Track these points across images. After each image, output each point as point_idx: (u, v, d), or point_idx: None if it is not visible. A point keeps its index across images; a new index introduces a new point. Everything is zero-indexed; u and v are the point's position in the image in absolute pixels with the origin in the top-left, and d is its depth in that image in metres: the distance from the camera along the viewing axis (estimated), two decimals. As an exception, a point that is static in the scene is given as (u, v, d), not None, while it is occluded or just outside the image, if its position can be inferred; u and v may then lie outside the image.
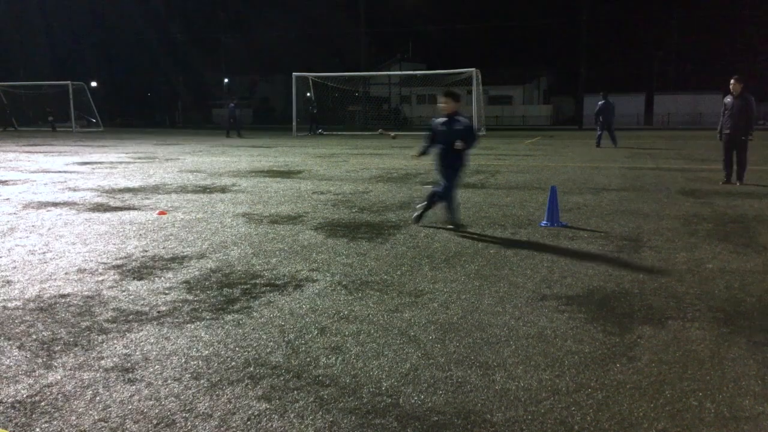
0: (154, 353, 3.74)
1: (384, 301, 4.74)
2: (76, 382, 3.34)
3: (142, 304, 4.66)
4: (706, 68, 52.19)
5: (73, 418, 2.97)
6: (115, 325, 4.23)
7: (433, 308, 4.55)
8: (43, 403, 3.11)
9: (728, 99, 11.59)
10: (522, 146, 23.93)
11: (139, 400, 3.14)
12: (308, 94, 39.91)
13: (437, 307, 4.58)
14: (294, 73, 35.73)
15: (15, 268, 5.73)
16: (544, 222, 7.79)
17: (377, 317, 4.37)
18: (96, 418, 2.97)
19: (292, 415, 3.00)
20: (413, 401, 3.13)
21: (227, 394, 3.21)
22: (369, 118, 49.32)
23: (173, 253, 6.28)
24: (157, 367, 3.54)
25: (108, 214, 8.61)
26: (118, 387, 3.29)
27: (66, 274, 5.52)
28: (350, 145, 25.91)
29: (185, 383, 3.34)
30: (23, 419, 2.96)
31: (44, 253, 6.33)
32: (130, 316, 4.39)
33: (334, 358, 3.66)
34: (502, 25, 57.29)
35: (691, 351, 3.76)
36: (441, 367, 3.53)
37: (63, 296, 4.86)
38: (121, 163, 17.15)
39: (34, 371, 3.49)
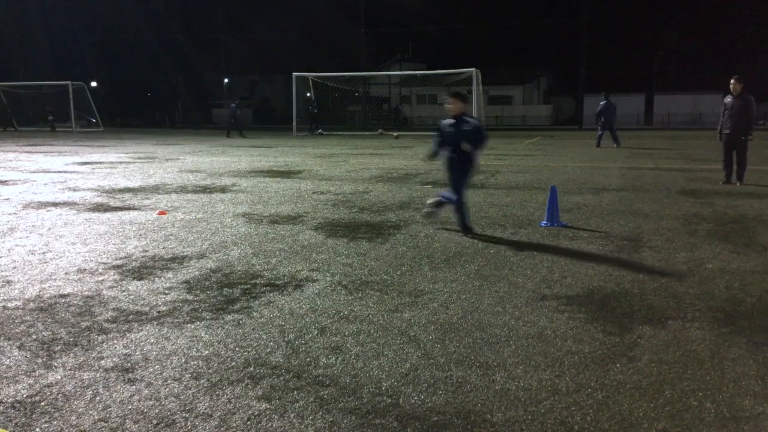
0: (154, 353, 3.74)
1: (384, 301, 4.74)
2: (76, 382, 3.35)
3: (142, 304, 4.66)
4: (706, 68, 52.20)
5: (73, 418, 2.97)
6: (115, 325, 4.23)
7: (433, 308, 4.55)
8: (43, 403, 3.11)
9: (728, 99, 11.59)
10: (522, 146, 23.93)
11: (139, 400, 3.14)
12: (308, 94, 39.91)
13: (437, 307, 4.58)
14: (294, 73, 35.73)
15: (15, 268, 5.73)
16: (544, 222, 7.79)
17: (377, 317, 4.37)
18: (96, 418, 2.97)
19: (292, 415, 3.00)
20: (413, 401, 3.14)
21: (227, 394, 3.21)
22: (369, 118, 49.33)
23: (173, 253, 6.28)
24: (157, 367, 3.54)
25: (108, 214, 8.61)
26: (118, 387, 3.29)
27: (66, 274, 5.52)
28: (350, 145, 25.91)
29: (185, 383, 3.34)
30: (23, 419, 2.96)
31: (44, 253, 6.33)
32: (130, 316, 4.39)
33: (334, 358, 3.66)
34: (502, 25, 57.27)
35: (691, 351, 3.76)
36: (441, 367, 3.53)
37: (63, 296, 4.86)
38: (121, 163, 17.15)
39: (34, 371, 3.49)
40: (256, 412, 3.02)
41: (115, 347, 3.83)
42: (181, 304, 4.65)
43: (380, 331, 4.09)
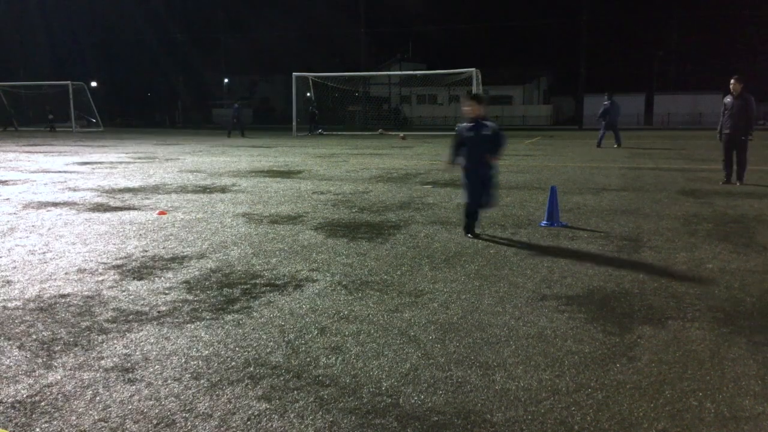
0: (154, 353, 3.74)
1: (384, 301, 4.74)
2: (76, 382, 3.35)
3: (142, 304, 4.66)
4: (706, 68, 52.22)
5: (73, 418, 2.97)
6: (115, 325, 4.23)
7: (433, 308, 4.55)
8: (43, 403, 3.11)
9: (728, 99, 11.59)
10: (522, 146, 23.92)
11: (139, 400, 3.14)
12: (308, 94, 39.94)
13: (437, 307, 4.58)
14: (294, 73, 35.74)
15: (15, 268, 5.73)
16: (544, 222, 7.79)
17: (377, 317, 4.37)
18: (96, 418, 2.97)
19: (292, 415, 3.00)
20: (413, 401, 3.14)
21: (227, 394, 3.21)
22: (369, 118, 49.36)
23: (173, 253, 6.28)
24: (157, 367, 3.54)
25: (108, 214, 8.61)
26: (118, 387, 3.29)
27: (66, 274, 5.52)
28: (350, 145, 25.91)
29: (185, 383, 3.34)
30: (23, 419, 2.96)
31: (44, 253, 6.33)
32: (130, 316, 4.39)
33: (334, 358, 3.66)
34: (502, 25, 57.29)
35: (691, 351, 3.76)
36: (441, 367, 3.53)
37: (63, 296, 4.86)
38: (121, 163, 17.15)
39: (34, 371, 3.49)
40: (256, 412, 3.02)
41: (115, 347, 3.83)
42: (181, 304, 4.65)
43: (380, 331, 4.09)
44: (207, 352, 3.76)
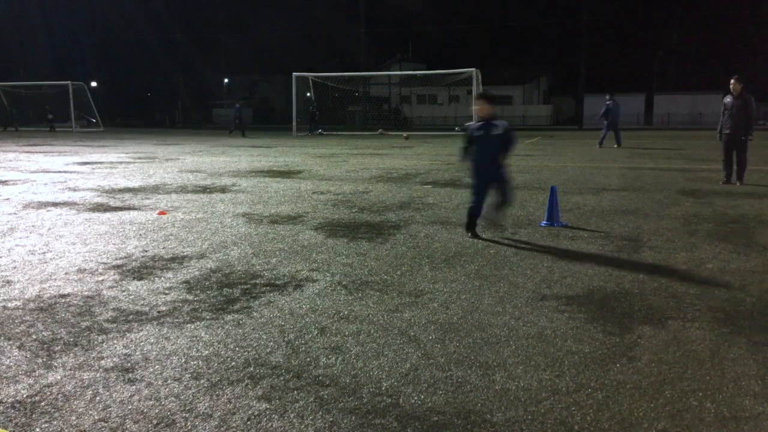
0: (154, 353, 3.74)
1: (384, 301, 4.74)
2: (76, 382, 3.35)
3: (142, 304, 4.66)
4: (706, 68, 52.26)
5: (73, 418, 2.97)
6: (115, 325, 4.23)
7: (433, 308, 4.55)
8: (43, 403, 3.11)
9: (728, 99, 11.59)
10: (522, 146, 23.91)
11: (139, 400, 3.14)
12: (308, 94, 39.94)
13: (437, 307, 4.58)
14: (294, 73, 35.75)
15: (15, 268, 5.73)
16: (544, 222, 7.79)
17: (377, 317, 4.37)
18: (96, 418, 2.97)
19: (292, 415, 3.00)
20: (413, 401, 3.13)
21: (227, 394, 3.21)
22: (369, 118, 49.36)
23: (173, 253, 6.28)
24: (157, 367, 3.54)
25: (108, 214, 8.61)
26: (118, 387, 3.29)
27: (66, 274, 5.52)
28: (350, 145, 25.91)
29: (185, 383, 3.34)
30: (23, 419, 2.96)
31: (44, 253, 6.33)
32: (130, 316, 4.39)
33: (334, 358, 3.66)
34: (502, 25, 57.30)
35: (691, 351, 3.76)
36: (441, 367, 3.53)
37: (63, 296, 4.86)
38: (121, 163, 17.15)
39: (34, 371, 3.49)
40: (256, 412, 3.02)
41: (115, 347, 3.83)
42: (181, 304, 4.65)
43: (380, 331, 4.09)
44: (207, 352, 3.76)
